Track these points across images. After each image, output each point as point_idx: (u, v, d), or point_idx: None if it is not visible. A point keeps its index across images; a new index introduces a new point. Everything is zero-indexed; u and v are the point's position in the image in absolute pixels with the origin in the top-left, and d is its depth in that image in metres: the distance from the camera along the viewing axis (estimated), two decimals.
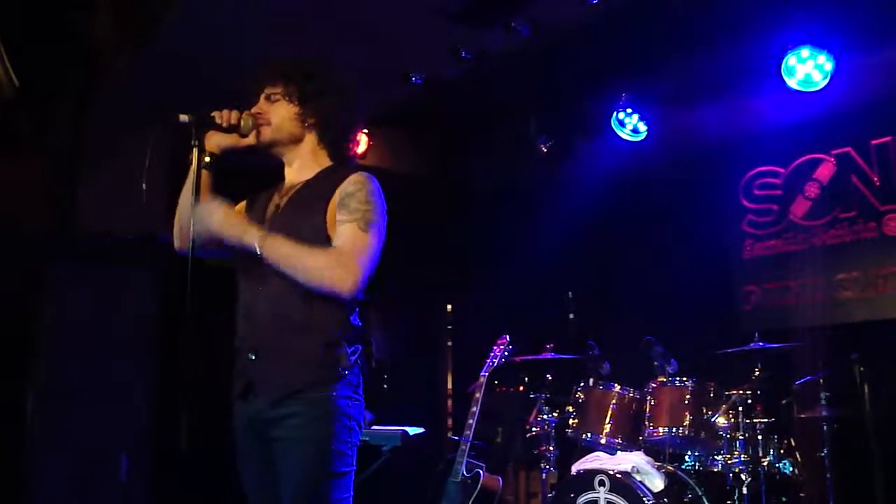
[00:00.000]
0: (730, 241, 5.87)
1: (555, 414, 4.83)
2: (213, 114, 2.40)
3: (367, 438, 4.32)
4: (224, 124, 2.39)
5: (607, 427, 4.56)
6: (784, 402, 4.52)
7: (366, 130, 5.78)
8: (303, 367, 2.33)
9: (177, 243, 2.54)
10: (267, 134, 2.48)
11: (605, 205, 5.82)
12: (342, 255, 2.31)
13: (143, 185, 2.39)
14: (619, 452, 4.47)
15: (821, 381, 4.33)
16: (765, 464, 4.30)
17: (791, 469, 4.38)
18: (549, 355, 4.94)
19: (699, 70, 5.18)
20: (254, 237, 2.31)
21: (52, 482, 4.68)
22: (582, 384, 4.72)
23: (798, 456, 4.41)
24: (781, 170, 5.70)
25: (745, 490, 4.18)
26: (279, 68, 2.53)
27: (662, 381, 4.54)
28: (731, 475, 4.30)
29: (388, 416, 4.61)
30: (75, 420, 4.79)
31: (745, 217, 5.82)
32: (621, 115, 5.51)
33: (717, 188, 5.88)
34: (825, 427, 4.27)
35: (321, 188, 2.45)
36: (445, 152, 6.38)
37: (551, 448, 4.82)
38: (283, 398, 2.32)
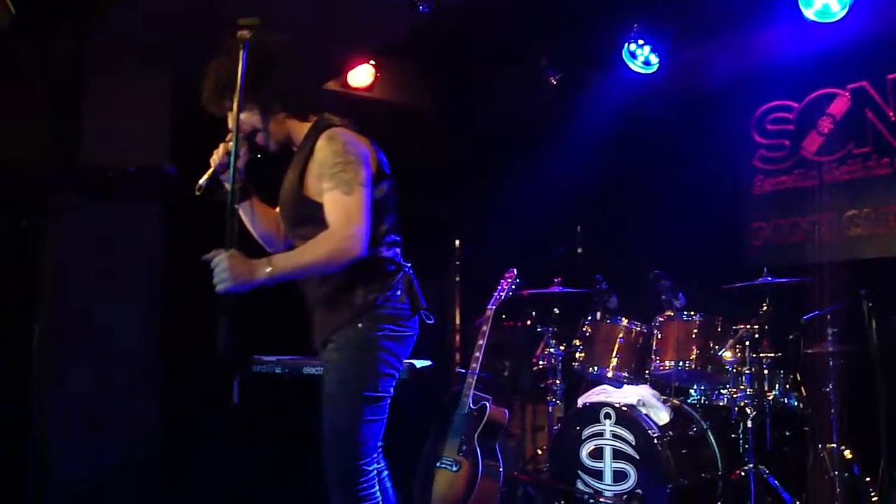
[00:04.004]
0: (740, 176, 5.81)
1: (562, 347, 4.85)
2: (210, 160, 2.62)
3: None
4: (221, 164, 2.62)
5: (614, 360, 4.59)
6: (791, 337, 4.52)
7: (373, 62, 5.69)
8: (333, 311, 2.63)
9: (268, 249, 2.85)
10: (270, 142, 2.70)
11: (614, 138, 5.73)
12: (335, 231, 2.50)
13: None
14: (625, 386, 4.50)
15: (828, 316, 4.31)
16: (770, 398, 4.33)
17: (796, 403, 4.41)
18: (556, 289, 4.94)
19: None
20: (262, 275, 2.45)
21: (63, 418, 4.72)
22: (589, 318, 4.74)
23: (803, 390, 4.44)
24: (795, 104, 5.60)
25: (749, 423, 4.21)
26: (215, 79, 2.63)
27: (670, 316, 4.55)
28: (736, 409, 4.34)
29: None
30: (82, 356, 4.81)
31: (757, 152, 5.75)
32: (633, 47, 5.39)
33: (729, 122, 5.79)
34: (831, 362, 4.27)
35: (299, 160, 2.66)
36: (454, 84, 6.27)
37: (558, 381, 4.86)
38: (327, 339, 2.65)
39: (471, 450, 4.21)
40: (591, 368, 4.63)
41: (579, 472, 4.26)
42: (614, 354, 4.60)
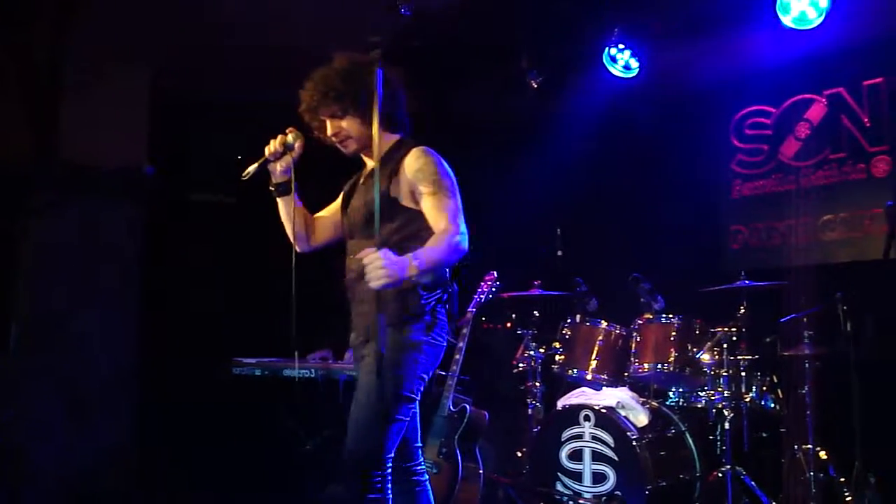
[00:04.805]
0: (719, 180, 5.86)
1: (541, 350, 4.87)
2: (266, 149, 2.78)
3: (355, 373, 4.33)
4: (274, 154, 2.79)
5: (593, 363, 4.61)
6: (768, 339, 4.56)
7: None
8: (385, 311, 2.64)
9: (298, 248, 2.97)
10: (354, 146, 2.85)
11: (595, 141, 5.77)
12: (448, 228, 2.65)
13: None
14: (604, 388, 4.52)
15: (804, 319, 4.36)
16: (747, 400, 4.37)
17: (773, 405, 4.45)
18: (536, 292, 4.95)
19: (693, 5, 5.09)
20: (412, 270, 2.51)
21: (42, 410, 4.69)
22: (569, 320, 4.75)
23: (780, 392, 4.48)
24: (773, 109, 5.66)
25: (727, 425, 4.25)
26: (322, 89, 2.79)
27: (649, 318, 4.58)
28: (713, 411, 4.37)
29: None
30: (59, 349, 4.79)
31: (735, 157, 5.81)
32: (613, 51, 5.42)
33: (707, 127, 5.85)
34: (807, 364, 4.32)
35: (387, 168, 2.80)
36: (434, 86, 6.26)
37: (537, 384, 4.87)
38: (369, 337, 2.75)
39: (451, 452, 4.21)
40: (570, 371, 4.65)
41: (559, 473, 4.27)
42: (594, 357, 4.62)
